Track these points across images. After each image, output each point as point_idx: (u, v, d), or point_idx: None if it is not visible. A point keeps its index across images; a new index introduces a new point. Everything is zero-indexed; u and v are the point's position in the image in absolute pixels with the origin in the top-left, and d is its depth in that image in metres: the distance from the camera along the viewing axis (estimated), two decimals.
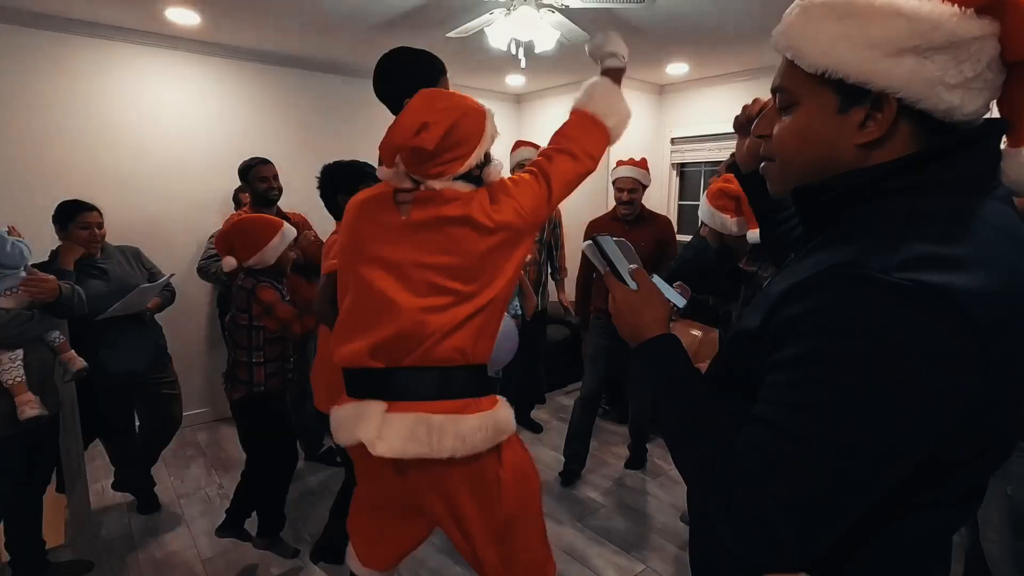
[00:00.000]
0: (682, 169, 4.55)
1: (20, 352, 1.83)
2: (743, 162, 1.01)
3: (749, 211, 1.52)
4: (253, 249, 2.05)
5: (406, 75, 1.40)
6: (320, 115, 3.93)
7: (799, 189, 0.66)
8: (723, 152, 4.15)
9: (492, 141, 1.25)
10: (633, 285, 0.84)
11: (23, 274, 1.83)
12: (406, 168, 1.23)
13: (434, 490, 1.26)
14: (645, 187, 2.88)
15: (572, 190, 1.34)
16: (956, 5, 0.54)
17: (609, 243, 0.89)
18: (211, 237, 3.37)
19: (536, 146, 3.11)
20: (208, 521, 2.57)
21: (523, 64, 2.66)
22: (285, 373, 2.19)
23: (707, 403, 0.70)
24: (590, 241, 0.89)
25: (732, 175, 1.59)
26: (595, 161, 1.35)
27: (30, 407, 1.81)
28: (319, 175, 2.05)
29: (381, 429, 1.18)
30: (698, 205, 4.24)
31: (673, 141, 4.47)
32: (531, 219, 1.25)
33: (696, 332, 3.04)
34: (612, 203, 4.23)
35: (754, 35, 3.11)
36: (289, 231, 2.17)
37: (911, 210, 0.56)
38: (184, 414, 2.71)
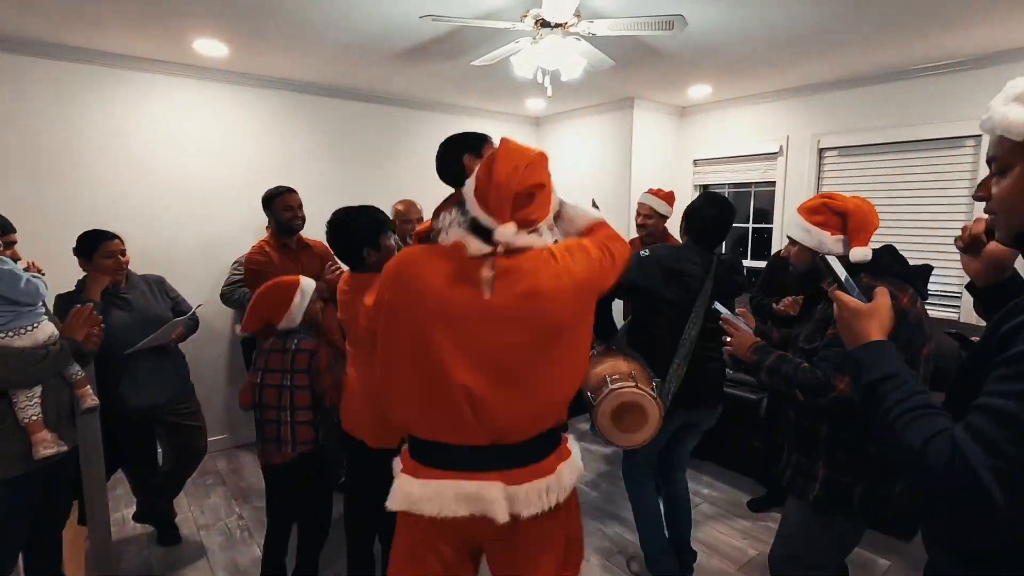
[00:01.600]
0: (705, 191, 4.48)
1: (37, 389, 1.79)
2: (977, 278, 1.13)
3: (855, 229, 1.46)
4: (279, 313, 2.01)
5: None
6: (344, 139, 3.95)
7: (1021, 234, 0.81)
8: (746, 174, 4.09)
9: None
10: (862, 299, 1.01)
11: (41, 310, 1.81)
12: (488, 213, 1.14)
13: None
14: (663, 216, 2.99)
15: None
16: None
17: (835, 261, 1.14)
18: (234, 263, 3.37)
19: None
20: (228, 555, 2.53)
21: (549, 92, 2.64)
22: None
23: (925, 397, 0.83)
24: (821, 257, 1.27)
25: (834, 193, 1.53)
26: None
27: (44, 446, 1.77)
28: (330, 223, 1.94)
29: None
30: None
31: (695, 163, 4.42)
32: (597, 284, 1.26)
33: None
34: (632, 225, 4.21)
35: (777, 57, 3.06)
36: (307, 286, 2.07)
37: None
38: None
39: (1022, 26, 2.51)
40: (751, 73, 3.40)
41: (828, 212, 1.48)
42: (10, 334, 1.69)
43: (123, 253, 2.27)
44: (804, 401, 1.40)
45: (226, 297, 3.30)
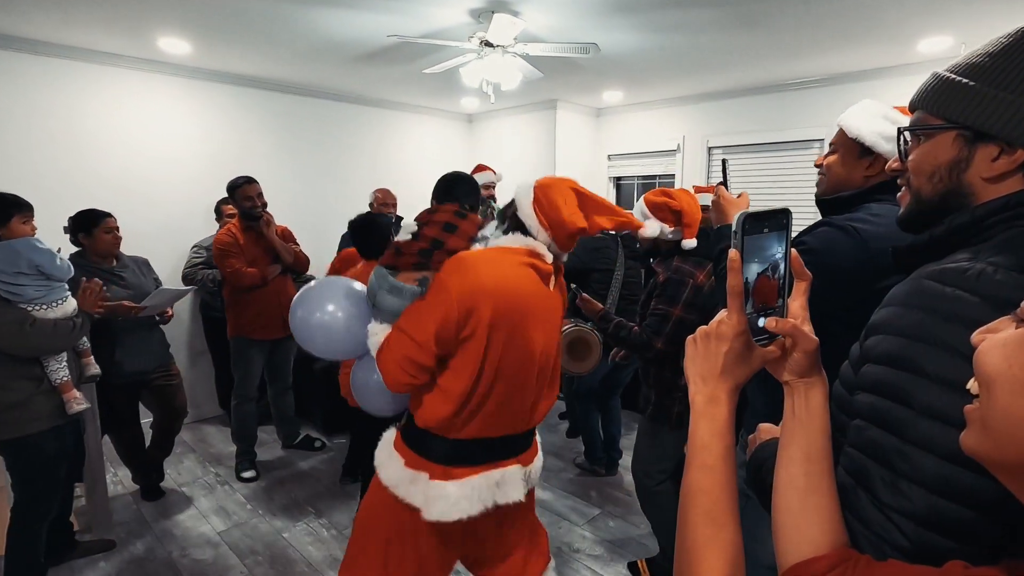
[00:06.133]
0: (618, 181, 5.16)
1: (65, 354, 2.09)
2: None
3: (687, 224, 1.99)
4: None
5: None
6: (301, 135, 4.26)
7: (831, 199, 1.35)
8: (651, 168, 4.79)
9: None
10: (734, 196, 1.42)
11: (66, 287, 2.08)
12: (558, 244, 1.35)
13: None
14: None
15: None
16: None
17: (727, 164, 1.52)
18: (194, 246, 3.61)
19: (493, 171, 3.57)
20: (214, 502, 2.84)
21: (492, 100, 3.12)
22: None
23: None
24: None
25: (670, 191, 2.09)
26: None
27: (76, 403, 2.07)
28: (351, 227, 2.46)
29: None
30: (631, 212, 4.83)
31: (610, 157, 5.07)
32: None
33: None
34: None
35: (673, 72, 3.72)
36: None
37: None
38: None
39: (856, 57, 3.30)
40: (653, 82, 4.05)
41: (667, 211, 1.97)
42: (44, 307, 1.96)
43: (117, 229, 2.53)
44: (640, 356, 2.03)
45: (188, 278, 3.53)
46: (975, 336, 0.40)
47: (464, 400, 1.27)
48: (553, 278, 1.37)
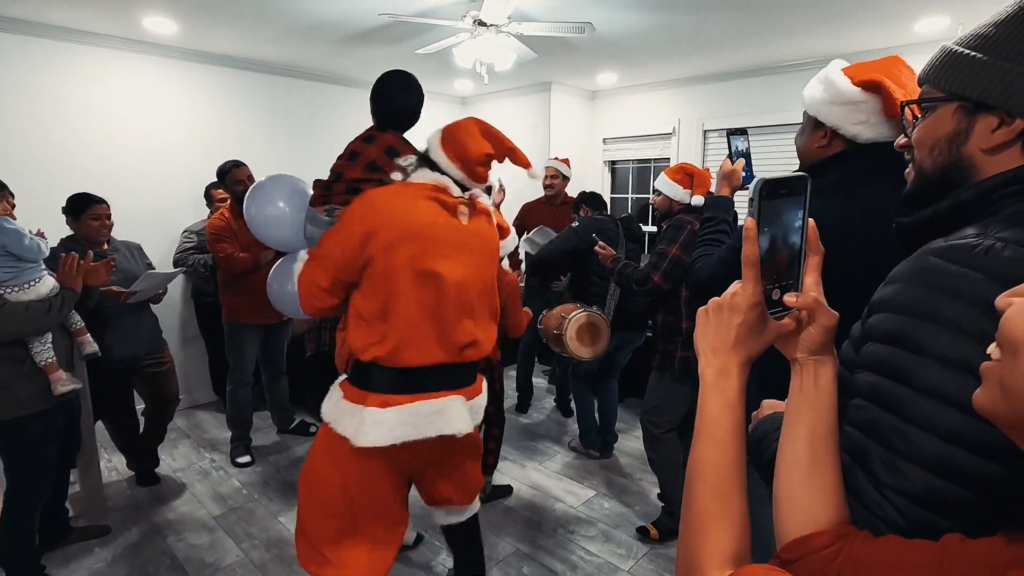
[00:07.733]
0: (613, 165, 5.12)
1: (48, 335, 2.05)
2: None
3: (697, 185, 2.29)
4: None
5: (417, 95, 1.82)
6: (292, 118, 4.19)
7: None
8: (646, 151, 4.75)
9: None
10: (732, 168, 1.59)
11: (42, 267, 2.03)
12: (467, 174, 1.44)
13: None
14: (566, 178, 3.66)
15: None
16: None
17: (732, 137, 1.57)
18: (184, 231, 3.56)
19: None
20: (209, 487, 2.84)
21: (486, 80, 3.08)
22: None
23: (716, 235, 1.54)
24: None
25: (686, 164, 2.39)
26: None
27: (61, 384, 2.04)
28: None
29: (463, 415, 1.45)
30: (626, 198, 4.84)
31: (605, 141, 5.03)
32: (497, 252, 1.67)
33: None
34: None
35: (669, 53, 3.68)
36: None
37: None
38: None
39: (852, 37, 3.27)
40: (649, 64, 4.01)
41: (683, 174, 2.36)
42: (15, 289, 1.91)
43: (108, 217, 2.49)
44: (637, 289, 2.29)
45: (178, 264, 3.49)
46: (1000, 299, 0.39)
47: (378, 322, 1.37)
48: (489, 217, 1.54)
